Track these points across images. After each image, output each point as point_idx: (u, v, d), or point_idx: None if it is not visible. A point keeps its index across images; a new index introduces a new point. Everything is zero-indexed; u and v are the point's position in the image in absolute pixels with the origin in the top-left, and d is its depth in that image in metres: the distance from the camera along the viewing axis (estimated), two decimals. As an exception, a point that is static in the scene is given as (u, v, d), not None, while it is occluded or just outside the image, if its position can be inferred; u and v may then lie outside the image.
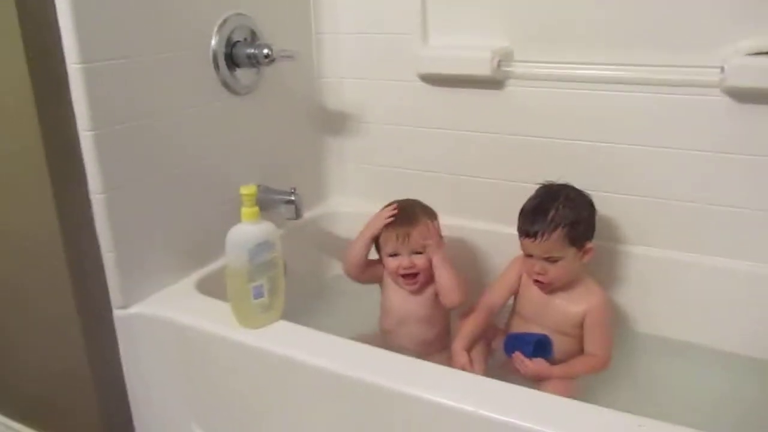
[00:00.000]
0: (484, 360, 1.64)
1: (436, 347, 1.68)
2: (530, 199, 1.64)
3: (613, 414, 1.12)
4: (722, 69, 1.55)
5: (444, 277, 1.63)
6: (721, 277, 1.71)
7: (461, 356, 1.58)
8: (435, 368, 1.30)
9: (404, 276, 1.65)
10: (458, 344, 1.61)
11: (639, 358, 1.74)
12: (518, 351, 1.57)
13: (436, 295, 1.66)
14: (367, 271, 1.74)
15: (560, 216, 1.56)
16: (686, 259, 1.74)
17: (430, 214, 1.69)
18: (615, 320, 1.73)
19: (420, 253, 1.64)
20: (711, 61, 1.58)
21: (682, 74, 1.62)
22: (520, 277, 1.70)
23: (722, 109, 1.61)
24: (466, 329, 1.63)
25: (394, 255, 1.65)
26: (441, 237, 1.68)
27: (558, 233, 1.55)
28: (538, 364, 1.55)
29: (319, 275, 2.12)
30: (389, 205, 1.71)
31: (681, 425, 1.07)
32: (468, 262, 1.97)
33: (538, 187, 1.68)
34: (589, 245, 1.61)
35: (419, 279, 1.65)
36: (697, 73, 1.60)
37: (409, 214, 1.66)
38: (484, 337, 1.68)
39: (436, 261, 1.63)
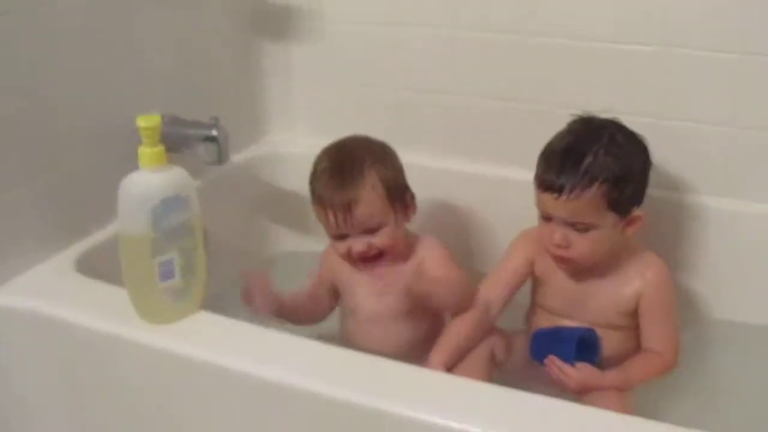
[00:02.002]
0: (483, 378, 1.63)
1: (426, 349, 1.67)
2: (558, 137, 1.66)
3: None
4: None
5: (434, 288, 1.63)
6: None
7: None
8: (433, 376, 1.33)
9: (363, 260, 1.68)
10: (435, 358, 1.60)
11: (710, 352, 1.81)
12: (554, 354, 1.60)
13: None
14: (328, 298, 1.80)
15: (599, 165, 1.58)
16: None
17: (387, 164, 1.66)
18: (677, 302, 1.77)
19: (377, 230, 1.64)
20: None
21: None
22: (530, 261, 1.74)
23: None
24: (448, 337, 1.64)
25: (340, 237, 1.67)
26: (406, 206, 1.68)
27: (593, 191, 1.57)
28: (584, 371, 1.58)
29: (256, 246, 2.14)
30: (326, 152, 1.69)
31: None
32: (470, 227, 2.01)
33: (571, 120, 1.70)
34: (636, 212, 1.63)
35: (386, 258, 1.67)
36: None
37: (345, 171, 1.63)
38: (484, 345, 1.69)
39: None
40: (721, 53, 1.77)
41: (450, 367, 1.60)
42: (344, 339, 1.78)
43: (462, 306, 1.66)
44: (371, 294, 1.72)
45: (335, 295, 1.79)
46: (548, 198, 1.59)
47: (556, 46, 1.88)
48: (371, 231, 1.64)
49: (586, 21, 1.84)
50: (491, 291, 1.72)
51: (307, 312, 1.77)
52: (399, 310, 1.71)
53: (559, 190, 1.57)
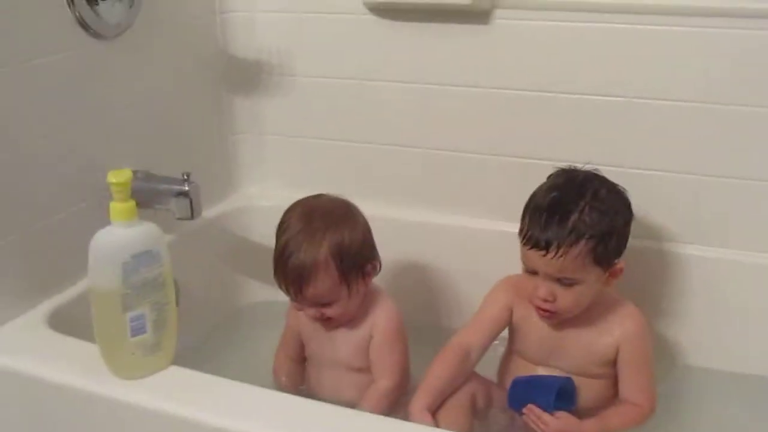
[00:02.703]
0: (465, 423, 1.65)
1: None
2: (542, 192, 1.66)
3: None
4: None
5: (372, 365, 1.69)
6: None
7: (422, 419, 1.57)
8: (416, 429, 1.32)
9: (316, 320, 1.70)
10: (418, 403, 1.60)
11: (686, 400, 1.83)
12: (532, 403, 1.60)
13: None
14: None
15: (585, 223, 1.58)
16: (753, 261, 1.84)
17: (346, 238, 1.64)
18: (655, 350, 1.78)
19: (329, 304, 1.65)
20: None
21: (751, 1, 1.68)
22: (509, 308, 1.74)
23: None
24: (429, 381, 1.64)
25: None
26: (364, 275, 1.67)
27: (580, 248, 1.57)
28: (563, 421, 1.58)
29: (229, 299, 2.14)
30: (288, 218, 1.68)
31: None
32: (437, 279, 2.02)
33: (553, 173, 1.71)
34: (619, 264, 1.65)
35: (336, 321, 1.69)
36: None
37: (301, 249, 1.61)
38: (466, 390, 1.69)
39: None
40: (696, 103, 1.79)
41: (432, 411, 1.59)
42: (308, 384, 1.80)
43: (395, 390, 1.68)
44: (326, 341, 1.74)
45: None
46: (534, 255, 1.59)
47: (526, 98, 1.90)
48: (323, 305, 1.65)
49: (557, 73, 1.86)
50: (471, 336, 1.72)
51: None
52: (350, 364, 1.73)
53: (546, 248, 1.57)
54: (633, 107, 1.83)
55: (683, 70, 1.78)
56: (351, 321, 1.70)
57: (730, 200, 1.83)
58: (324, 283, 1.61)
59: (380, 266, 1.71)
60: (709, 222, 1.86)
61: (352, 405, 1.63)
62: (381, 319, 1.70)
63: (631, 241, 1.69)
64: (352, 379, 1.72)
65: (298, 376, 1.81)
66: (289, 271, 1.61)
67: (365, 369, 1.71)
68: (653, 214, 1.87)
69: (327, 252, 1.60)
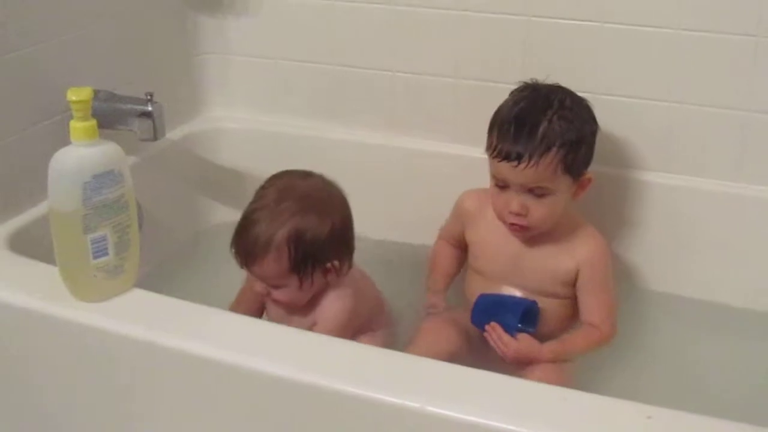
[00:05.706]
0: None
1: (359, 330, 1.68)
2: (508, 106, 1.68)
3: (614, 403, 1.18)
4: None
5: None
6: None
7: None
8: (377, 353, 1.34)
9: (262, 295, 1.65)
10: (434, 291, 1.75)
11: (645, 324, 1.85)
12: (496, 322, 1.61)
13: None
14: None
15: (555, 132, 1.61)
16: (711, 188, 1.87)
17: (308, 231, 1.54)
18: (615, 274, 1.80)
19: (278, 287, 1.59)
20: None
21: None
22: (461, 228, 1.80)
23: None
24: (438, 277, 1.78)
25: None
26: (325, 271, 1.58)
27: (551, 157, 1.59)
28: (524, 343, 1.60)
29: (192, 223, 2.14)
30: (265, 190, 1.60)
31: (699, 414, 1.14)
32: (408, 202, 2.04)
33: (515, 88, 1.72)
34: (587, 174, 1.67)
35: (283, 305, 1.64)
36: None
37: (260, 227, 1.54)
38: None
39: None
40: (658, 29, 1.80)
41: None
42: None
43: None
44: (277, 317, 1.68)
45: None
46: (506, 167, 1.61)
47: (495, 21, 1.89)
48: (272, 285, 1.60)
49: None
50: (449, 239, 1.87)
51: None
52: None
53: (518, 159, 1.59)
54: (606, 32, 1.83)
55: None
56: (301, 310, 1.64)
57: (700, 128, 1.84)
58: (272, 266, 1.55)
59: (348, 266, 1.62)
60: (678, 150, 1.87)
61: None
62: (327, 312, 1.63)
63: (595, 167, 1.71)
64: None
65: None
66: (242, 241, 1.56)
67: None
68: (617, 140, 1.89)
69: (284, 237, 1.53)
